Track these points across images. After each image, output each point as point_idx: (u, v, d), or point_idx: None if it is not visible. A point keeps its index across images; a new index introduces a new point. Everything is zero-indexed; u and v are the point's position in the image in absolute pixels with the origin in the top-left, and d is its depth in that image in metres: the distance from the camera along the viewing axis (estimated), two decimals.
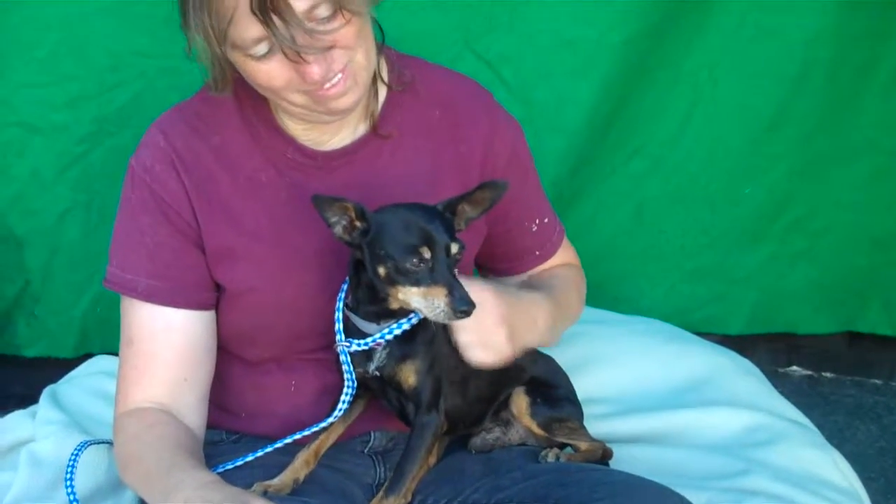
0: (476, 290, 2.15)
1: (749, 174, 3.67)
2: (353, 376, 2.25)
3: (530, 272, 2.64)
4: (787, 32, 3.45)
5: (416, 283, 2.08)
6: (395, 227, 2.11)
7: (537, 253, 2.63)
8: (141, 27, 3.10)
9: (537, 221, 2.59)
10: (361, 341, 2.21)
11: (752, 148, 3.63)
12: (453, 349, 2.21)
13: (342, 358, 2.24)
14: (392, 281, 2.10)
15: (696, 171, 3.62)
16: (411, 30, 3.12)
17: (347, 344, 2.22)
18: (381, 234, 2.11)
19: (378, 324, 2.21)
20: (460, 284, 2.06)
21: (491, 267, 2.64)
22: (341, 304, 2.24)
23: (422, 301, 2.08)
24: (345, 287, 2.26)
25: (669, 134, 3.57)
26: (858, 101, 3.60)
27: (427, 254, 2.07)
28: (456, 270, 2.12)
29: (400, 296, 2.11)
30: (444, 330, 2.21)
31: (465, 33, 3.31)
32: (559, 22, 3.35)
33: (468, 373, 2.31)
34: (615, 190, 3.63)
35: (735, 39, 3.46)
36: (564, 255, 2.69)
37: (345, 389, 2.27)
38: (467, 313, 2.04)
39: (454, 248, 2.10)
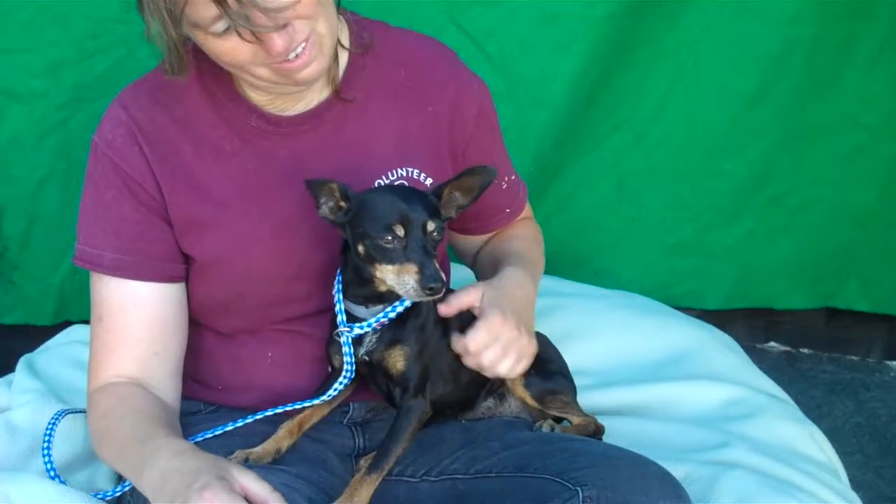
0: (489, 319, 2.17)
1: (729, 150, 3.68)
2: (354, 363, 2.25)
3: (501, 231, 2.65)
4: (769, 11, 3.46)
5: (391, 260, 2.09)
6: (373, 205, 2.12)
7: (508, 210, 2.64)
8: None
9: (506, 179, 2.60)
10: (363, 324, 2.21)
11: (732, 124, 3.64)
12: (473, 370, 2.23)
13: (345, 349, 2.24)
14: (371, 259, 2.11)
15: (677, 147, 3.64)
16: (395, 2, 3.11)
17: (349, 328, 2.22)
18: (360, 212, 2.13)
19: (367, 307, 2.22)
20: (432, 263, 2.07)
21: (463, 227, 2.63)
22: (340, 294, 2.24)
23: (395, 279, 2.09)
24: (340, 276, 2.25)
25: (651, 109, 3.58)
26: (839, 79, 3.61)
27: (401, 231, 2.08)
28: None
29: (378, 274, 2.12)
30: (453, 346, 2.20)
31: (449, 6, 3.30)
32: None
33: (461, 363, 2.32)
34: (597, 164, 3.64)
35: (717, 17, 3.47)
36: (525, 211, 2.73)
37: (341, 377, 2.26)
38: (435, 291, 2.05)
39: (430, 226, 2.10)
